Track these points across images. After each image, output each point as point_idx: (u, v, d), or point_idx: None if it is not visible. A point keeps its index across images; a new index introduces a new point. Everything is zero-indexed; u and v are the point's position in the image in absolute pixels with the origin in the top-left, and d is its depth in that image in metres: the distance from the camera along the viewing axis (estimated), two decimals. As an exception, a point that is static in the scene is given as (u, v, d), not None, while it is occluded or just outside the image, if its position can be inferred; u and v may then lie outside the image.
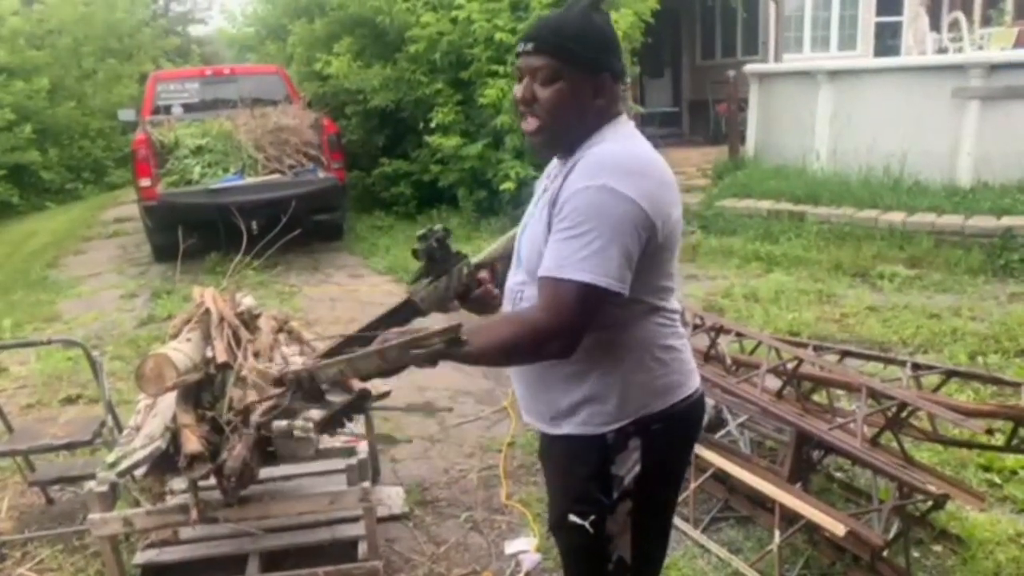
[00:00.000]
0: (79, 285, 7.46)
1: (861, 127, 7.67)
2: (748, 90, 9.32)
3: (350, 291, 6.58)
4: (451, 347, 1.37)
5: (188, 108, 8.75)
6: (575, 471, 1.55)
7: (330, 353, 1.51)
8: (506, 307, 1.63)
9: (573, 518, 1.55)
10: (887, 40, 13.61)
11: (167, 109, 8.70)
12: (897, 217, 6.51)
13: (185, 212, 7.26)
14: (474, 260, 1.75)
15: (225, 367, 2.55)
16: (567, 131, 1.49)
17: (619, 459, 1.50)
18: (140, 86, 12.56)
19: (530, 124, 1.51)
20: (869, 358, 3.39)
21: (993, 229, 5.96)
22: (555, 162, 1.58)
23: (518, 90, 1.50)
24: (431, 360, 1.38)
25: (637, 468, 1.51)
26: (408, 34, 8.76)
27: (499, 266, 1.75)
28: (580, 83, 1.45)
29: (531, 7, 8.13)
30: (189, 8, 29.12)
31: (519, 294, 1.56)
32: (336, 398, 1.56)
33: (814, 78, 8.18)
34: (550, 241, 1.39)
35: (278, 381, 1.48)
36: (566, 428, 1.54)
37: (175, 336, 2.81)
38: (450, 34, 8.58)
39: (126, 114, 9.35)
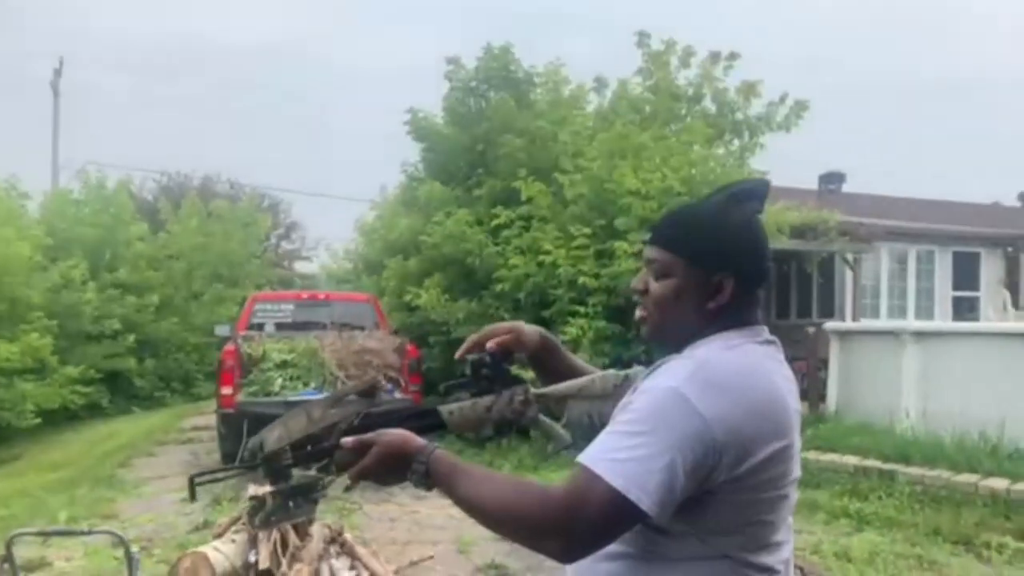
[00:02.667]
0: (143, 486, 7.45)
1: (951, 389, 7.41)
2: (827, 348, 9.25)
3: (410, 512, 6.34)
4: (363, 421, 1.34)
5: (281, 327, 9.21)
6: None
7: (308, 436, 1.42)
8: None
9: None
10: (965, 313, 13.60)
11: (260, 327, 9.19)
12: (1000, 484, 6.02)
13: (259, 421, 7.34)
14: (537, 390, 1.52)
15: (266, 574, 2.40)
16: (674, 330, 1.34)
17: None
18: (240, 307, 13.49)
19: (639, 313, 1.40)
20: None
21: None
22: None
23: (635, 279, 1.40)
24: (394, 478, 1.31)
25: None
26: (495, 274, 9.29)
27: (569, 404, 1.52)
28: (693, 281, 1.31)
29: (616, 255, 8.53)
30: (297, 247, 31.96)
31: None
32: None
33: (899, 338, 8.08)
34: (605, 430, 1.22)
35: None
36: None
37: (219, 536, 2.69)
38: (535, 275, 9.05)
39: (222, 329, 9.88)
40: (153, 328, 16.51)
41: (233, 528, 2.78)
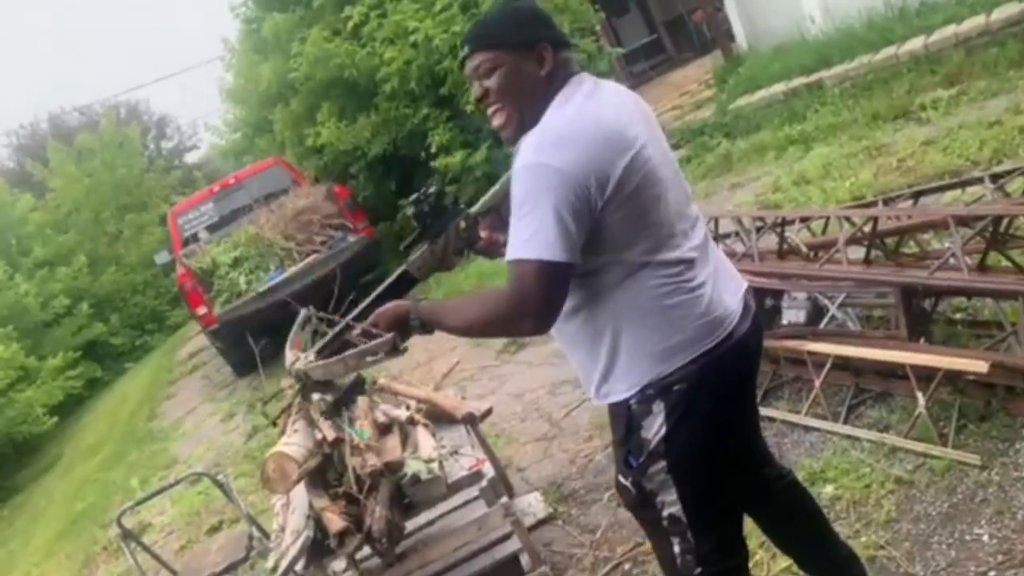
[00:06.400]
0: (181, 426, 7.75)
1: (845, -25, 7.36)
2: (718, -11, 9.08)
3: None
4: (391, 355, 1.65)
5: (212, 228, 9.00)
6: (615, 438, 1.66)
7: (326, 347, 1.91)
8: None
9: (621, 479, 1.67)
10: None
11: (195, 237, 8.97)
12: (917, 44, 6.20)
13: (246, 322, 7.44)
14: (473, 210, 1.78)
15: (337, 442, 2.61)
16: (526, 109, 1.55)
17: (645, 423, 1.55)
18: (164, 227, 13.02)
19: (497, 118, 1.60)
20: (943, 188, 3.24)
21: (1020, 15, 5.63)
22: None
23: (474, 93, 1.60)
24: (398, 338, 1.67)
25: (663, 430, 1.54)
26: (378, 76, 8.83)
27: (503, 210, 1.74)
28: (523, 60, 1.55)
29: (480, 2, 8.08)
30: (176, 141, 30.11)
31: None
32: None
33: (780, -52, 7.91)
34: (511, 223, 1.48)
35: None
36: (604, 399, 1.62)
37: (283, 433, 2.88)
38: (416, 59, 8.61)
39: (161, 257, 9.64)
40: (97, 287, 16.10)
41: (291, 421, 2.97)
